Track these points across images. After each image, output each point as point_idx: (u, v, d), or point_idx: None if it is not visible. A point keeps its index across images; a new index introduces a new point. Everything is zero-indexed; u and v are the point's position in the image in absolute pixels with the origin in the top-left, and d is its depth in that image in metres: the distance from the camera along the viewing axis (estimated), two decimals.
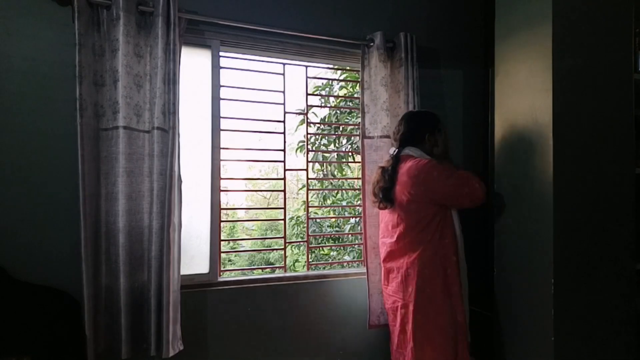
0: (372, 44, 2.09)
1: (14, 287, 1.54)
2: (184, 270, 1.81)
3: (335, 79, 3.61)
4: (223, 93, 1.97)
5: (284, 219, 2.15)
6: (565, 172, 1.47)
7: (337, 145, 3.94)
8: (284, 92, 2.10)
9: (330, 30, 2.08)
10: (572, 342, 1.49)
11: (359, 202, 3.15)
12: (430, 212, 1.59)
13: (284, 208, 2.15)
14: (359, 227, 2.65)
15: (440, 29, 2.33)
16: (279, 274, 2.13)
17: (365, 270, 2.04)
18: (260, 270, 4.17)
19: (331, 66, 2.42)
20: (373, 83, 2.09)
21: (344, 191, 3.98)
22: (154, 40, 1.70)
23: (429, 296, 1.58)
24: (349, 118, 3.77)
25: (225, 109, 1.98)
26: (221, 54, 1.97)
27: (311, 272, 2.14)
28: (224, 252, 2.04)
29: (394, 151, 1.73)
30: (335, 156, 3.87)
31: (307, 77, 2.19)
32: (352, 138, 3.63)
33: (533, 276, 1.54)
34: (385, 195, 1.68)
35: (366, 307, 2.06)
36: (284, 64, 2.13)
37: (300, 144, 4.12)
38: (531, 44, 1.56)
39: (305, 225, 2.28)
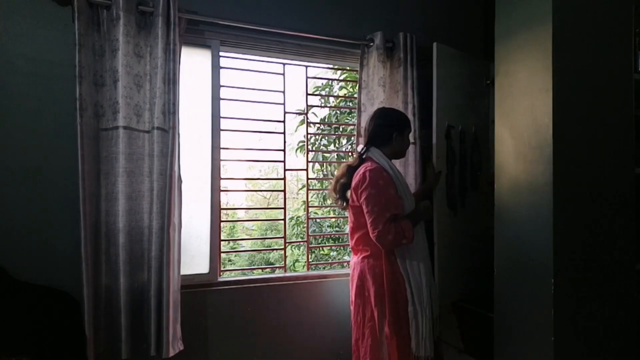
0: (371, 44, 2.09)
1: (14, 287, 1.54)
2: (184, 270, 1.81)
3: (335, 79, 3.61)
4: (223, 93, 1.97)
5: (284, 219, 2.15)
6: (565, 172, 1.47)
7: (337, 145, 3.94)
8: (284, 92, 2.10)
9: (330, 30, 2.08)
10: (572, 342, 1.48)
11: None
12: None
13: (284, 208, 2.15)
14: None
15: (440, 29, 2.33)
16: (279, 274, 2.13)
17: None
18: (260, 270, 4.17)
19: (331, 66, 2.42)
20: (371, 82, 2.09)
21: None
22: (154, 40, 1.70)
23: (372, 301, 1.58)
24: (349, 118, 3.77)
25: (225, 109, 1.98)
26: (221, 54, 1.97)
27: (311, 272, 2.14)
28: (224, 252, 2.04)
29: (362, 149, 1.71)
30: (335, 156, 3.86)
31: (307, 77, 2.19)
32: (352, 138, 3.63)
33: (533, 276, 1.54)
34: (343, 193, 1.69)
35: None
36: (284, 64, 2.14)
37: (300, 144, 4.12)
38: (531, 44, 1.56)
39: (305, 225, 2.28)
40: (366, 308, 1.62)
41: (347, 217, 3.67)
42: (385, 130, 1.67)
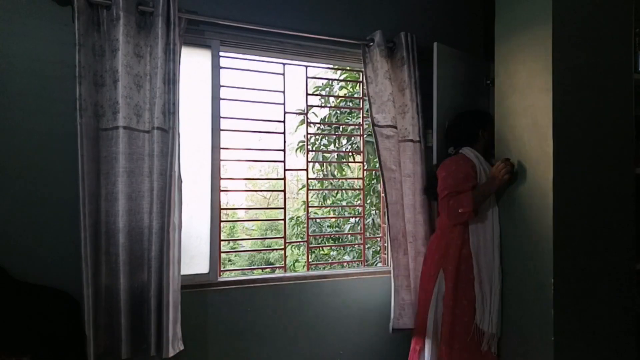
0: (372, 43, 2.08)
1: (14, 287, 1.54)
2: (184, 270, 1.81)
3: (335, 79, 3.62)
4: (223, 93, 1.96)
5: (284, 219, 2.15)
6: (565, 172, 1.47)
7: (337, 145, 3.94)
8: (284, 92, 2.10)
9: (330, 30, 2.07)
10: (572, 342, 1.49)
11: (358, 202, 3.14)
12: None
13: (284, 208, 2.15)
14: (359, 227, 2.62)
15: (440, 29, 2.33)
16: (279, 274, 2.13)
17: (390, 269, 2.03)
18: (260, 270, 4.18)
19: (331, 66, 2.42)
20: (377, 77, 2.08)
21: (343, 191, 3.98)
22: (154, 40, 1.70)
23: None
24: (349, 118, 3.77)
25: (225, 109, 1.98)
26: (221, 54, 1.97)
27: (311, 272, 2.14)
28: (224, 252, 2.04)
29: (451, 150, 1.90)
30: (335, 156, 3.87)
31: (307, 77, 2.19)
32: (352, 138, 3.64)
33: (533, 276, 1.54)
34: (429, 185, 1.95)
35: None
36: (284, 64, 2.13)
37: (300, 144, 4.13)
38: (531, 44, 1.56)
39: (305, 225, 2.28)
40: (425, 273, 1.85)
41: (346, 217, 3.68)
42: (471, 130, 1.86)
